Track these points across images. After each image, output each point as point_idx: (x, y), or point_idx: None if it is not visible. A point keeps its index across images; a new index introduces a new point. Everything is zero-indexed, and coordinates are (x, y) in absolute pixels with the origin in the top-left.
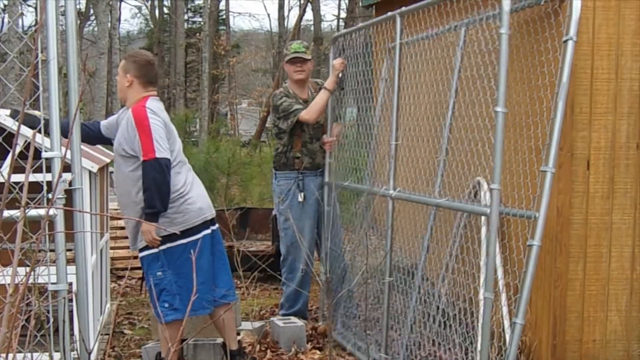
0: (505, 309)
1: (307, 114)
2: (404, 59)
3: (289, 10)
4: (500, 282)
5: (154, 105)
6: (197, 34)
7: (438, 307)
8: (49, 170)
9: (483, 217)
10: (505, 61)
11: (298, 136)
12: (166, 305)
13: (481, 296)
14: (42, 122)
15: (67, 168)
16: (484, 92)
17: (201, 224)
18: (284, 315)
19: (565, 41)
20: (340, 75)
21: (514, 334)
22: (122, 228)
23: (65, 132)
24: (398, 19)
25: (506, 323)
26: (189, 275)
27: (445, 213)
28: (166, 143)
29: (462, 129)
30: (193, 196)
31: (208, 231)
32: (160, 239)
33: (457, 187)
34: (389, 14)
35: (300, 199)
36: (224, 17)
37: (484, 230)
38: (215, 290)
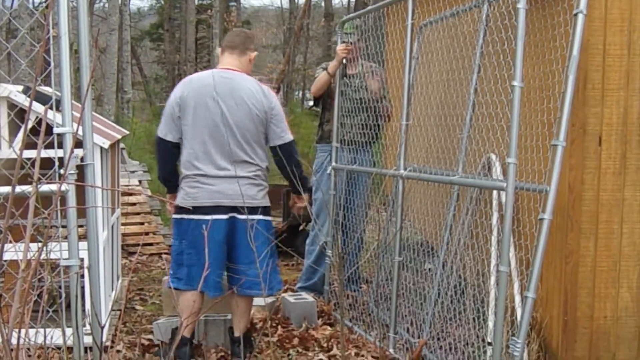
0: (517, 284)
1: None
2: (425, 38)
3: None
4: (512, 257)
5: (185, 80)
6: (208, 10)
7: (449, 283)
8: (60, 146)
9: (495, 192)
10: (522, 36)
11: (328, 110)
12: (171, 272)
13: (492, 270)
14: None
15: (78, 144)
16: (498, 69)
17: (213, 206)
18: (300, 288)
19: (576, 14)
20: (344, 61)
21: (525, 307)
22: (133, 204)
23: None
24: (410, 0)
25: (517, 298)
26: (198, 251)
27: (451, 188)
28: (167, 121)
29: (474, 105)
30: (209, 179)
31: (223, 216)
32: (173, 207)
33: (470, 163)
34: None
35: (329, 171)
36: None
37: (495, 204)
38: (233, 278)
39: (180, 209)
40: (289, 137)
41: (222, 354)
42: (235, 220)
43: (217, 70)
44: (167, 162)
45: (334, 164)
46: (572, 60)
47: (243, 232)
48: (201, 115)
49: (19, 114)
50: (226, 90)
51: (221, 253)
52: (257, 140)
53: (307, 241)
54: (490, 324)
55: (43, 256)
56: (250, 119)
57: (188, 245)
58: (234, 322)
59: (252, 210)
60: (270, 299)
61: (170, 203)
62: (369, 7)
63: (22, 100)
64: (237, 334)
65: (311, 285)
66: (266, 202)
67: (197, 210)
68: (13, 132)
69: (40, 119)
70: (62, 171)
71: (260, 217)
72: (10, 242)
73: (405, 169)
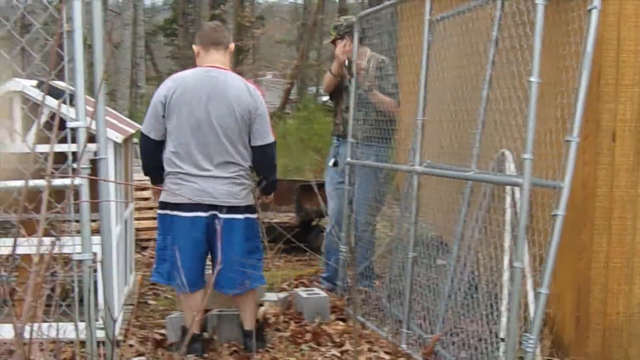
0: (530, 280)
1: None
2: (437, 33)
3: None
4: (526, 253)
5: (171, 78)
6: (222, 5)
7: (461, 279)
8: (73, 140)
9: (508, 188)
10: (540, 31)
11: (338, 104)
12: (154, 266)
13: (505, 266)
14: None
15: (91, 138)
16: (511, 64)
17: (194, 204)
18: (322, 278)
19: (590, 10)
20: (346, 62)
21: (538, 303)
22: (147, 199)
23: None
24: None
25: (531, 294)
26: (179, 247)
27: (464, 184)
28: (151, 119)
29: (488, 101)
30: (191, 177)
31: (203, 214)
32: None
33: (483, 159)
34: None
35: (330, 163)
36: None
37: (508, 200)
38: (214, 278)
39: (164, 205)
40: (270, 138)
41: (235, 348)
42: (216, 218)
43: (203, 69)
44: (150, 159)
45: (348, 159)
46: (586, 55)
47: (224, 230)
48: (185, 115)
49: (32, 108)
50: (212, 91)
51: (200, 250)
52: (241, 140)
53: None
54: (503, 319)
55: (56, 250)
56: (234, 119)
57: (171, 241)
58: (242, 317)
59: (235, 208)
60: (282, 294)
61: (154, 189)
62: (385, 3)
63: (36, 94)
64: (247, 327)
65: (327, 278)
66: (249, 201)
67: (178, 207)
68: (27, 126)
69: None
70: (75, 165)
71: (242, 215)
72: (24, 236)
73: (420, 165)
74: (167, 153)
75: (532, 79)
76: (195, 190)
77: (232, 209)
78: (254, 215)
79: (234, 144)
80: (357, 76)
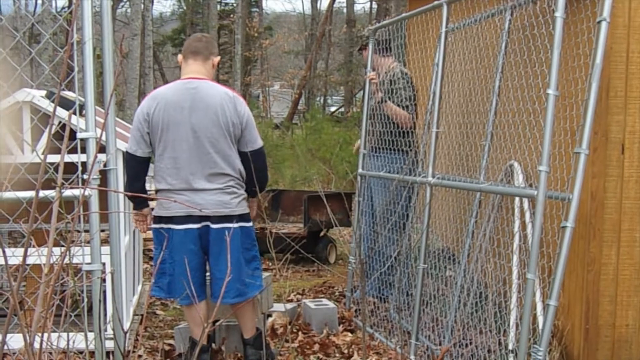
0: (538, 292)
1: None
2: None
3: None
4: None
5: (151, 95)
6: (230, 16)
7: (469, 290)
8: (83, 151)
9: (517, 199)
10: (559, 44)
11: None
12: (153, 280)
13: (514, 277)
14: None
15: (101, 149)
16: (522, 77)
17: (185, 216)
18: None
19: (599, 22)
20: (377, 84)
21: (547, 315)
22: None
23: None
24: (445, 7)
25: (539, 306)
26: (175, 261)
27: (472, 195)
28: (136, 137)
29: (496, 113)
30: (181, 191)
31: (195, 225)
32: (138, 218)
33: (492, 171)
34: (435, 3)
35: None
36: None
37: (517, 211)
38: (211, 288)
39: (157, 219)
40: (259, 143)
41: (241, 357)
42: (208, 229)
43: (181, 82)
44: (136, 178)
45: (360, 170)
46: (595, 68)
47: (216, 240)
48: (170, 131)
49: (42, 118)
50: (193, 103)
51: (197, 262)
52: (228, 148)
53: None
54: (512, 331)
55: (66, 261)
56: (220, 129)
57: (168, 255)
58: (241, 326)
59: (227, 218)
60: (290, 305)
61: (136, 220)
62: (403, 15)
63: (46, 105)
64: (246, 336)
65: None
66: (242, 210)
67: (171, 220)
68: (36, 136)
69: (64, 124)
70: (85, 176)
71: (235, 224)
72: (34, 246)
73: (433, 177)
74: (156, 170)
75: (550, 91)
76: (185, 202)
77: (223, 219)
78: (250, 224)
79: (221, 154)
80: (370, 86)
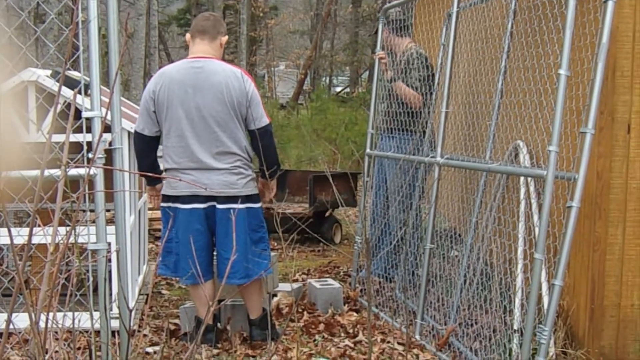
0: (544, 272)
1: None
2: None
3: None
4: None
5: (158, 73)
6: None
7: (475, 269)
8: (88, 130)
9: (522, 179)
10: (571, 24)
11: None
12: (160, 259)
13: (519, 257)
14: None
15: (106, 128)
16: (530, 57)
17: (191, 196)
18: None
19: (606, 1)
20: (387, 64)
21: (552, 295)
22: None
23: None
24: None
25: (545, 285)
26: (182, 240)
27: (478, 175)
28: (143, 116)
29: (502, 93)
30: (188, 170)
31: (201, 205)
32: (152, 194)
33: (497, 150)
34: None
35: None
36: None
37: (523, 191)
38: (217, 267)
39: (165, 198)
40: (265, 120)
41: (248, 338)
42: (214, 209)
43: (187, 60)
44: (145, 156)
45: (367, 150)
46: (601, 47)
47: (222, 221)
48: (176, 109)
49: (47, 98)
50: (198, 81)
51: (203, 241)
52: (235, 127)
53: None
54: (517, 311)
55: (71, 240)
56: (225, 107)
57: (175, 234)
58: (247, 307)
59: (233, 198)
60: (295, 285)
61: (151, 195)
62: None
63: (51, 84)
64: (252, 316)
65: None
66: (249, 190)
67: (177, 199)
68: (41, 116)
69: (69, 104)
70: (90, 155)
71: (241, 205)
72: (39, 225)
73: (442, 156)
74: (164, 149)
75: (561, 71)
76: (191, 182)
77: (230, 199)
78: (257, 205)
79: (227, 132)
80: (380, 66)
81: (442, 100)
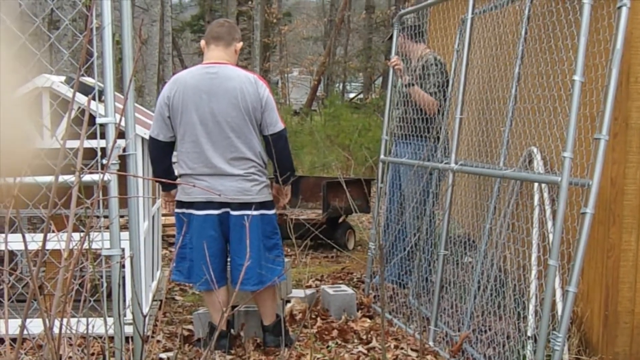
0: (557, 278)
1: None
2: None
3: None
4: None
5: (173, 79)
6: (249, 2)
7: (489, 276)
8: (102, 136)
9: (536, 185)
10: (586, 31)
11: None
12: (174, 264)
13: (533, 262)
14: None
15: (120, 134)
16: (545, 64)
17: (205, 202)
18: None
19: (619, 7)
20: (402, 70)
21: (566, 301)
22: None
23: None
24: None
25: (558, 292)
26: (195, 246)
27: (492, 181)
28: (158, 121)
29: (516, 99)
30: (202, 176)
31: (215, 212)
32: (167, 199)
33: (510, 157)
34: None
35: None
36: None
37: (537, 197)
38: (231, 273)
39: (180, 204)
40: (280, 126)
41: (261, 344)
42: (228, 216)
43: (202, 66)
44: (159, 162)
45: (382, 156)
46: (615, 53)
47: (236, 227)
48: (191, 115)
49: (61, 104)
50: (213, 87)
51: (217, 248)
52: (249, 133)
53: None
54: (531, 317)
55: (85, 246)
56: (239, 113)
57: (189, 240)
58: (261, 313)
59: (247, 205)
60: (309, 291)
61: (166, 200)
62: (429, 1)
63: (65, 90)
64: (265, 322)
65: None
66: (263, 197)
67: (192, 205)
68: (56, 122)
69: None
70: (104, 161)
71: (254, 212)
72: (53, 231)
73: (456, 163)
74: (178, 154)
75: (576, 77)
76: (206, 188)
77: (243, 206)
78: (271, 212)
79: (241, 137)
80: (395, 72)
81: (456, 106)
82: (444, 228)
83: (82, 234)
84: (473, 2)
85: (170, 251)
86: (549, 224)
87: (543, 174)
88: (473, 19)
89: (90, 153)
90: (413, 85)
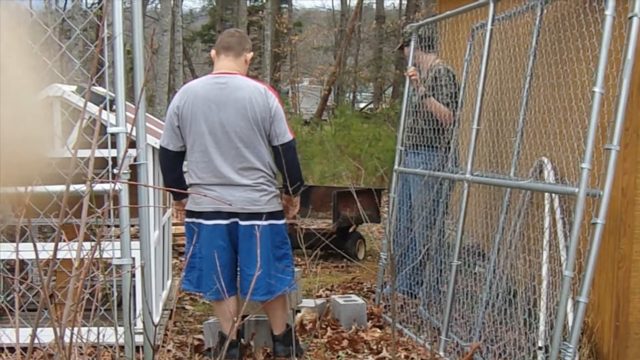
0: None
1: None
2: (477, 41)
3: None
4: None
5: (183, 89)
6: (260, 12)
7: (499, 286)
8: (113, 145)
9: (547, 195)
10: (607, 43)
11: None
12: (184, 274)
13: (544, 273)
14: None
15: (131, 144)
16: (563, 74)
17: (214, 212)
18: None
19: (630, 18)
20: (418, 80)
21: (577, 312)
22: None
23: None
24: (491, 4)
25: (569, 303)
26: (204, 256)
27: (502, 191)
28: (168, 131)
29: (527, 109)
30: (211, 186)
31: (224, 222)
32: (178, 208)
33: (521, 167)
34: (481, 0)
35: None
36: None
37: (547, 207)
38: (240, 283)
39: (189, 214)
40: (288, 136)
41: (270, 353)
42: (237, 226)
43: (212, 76)
44: (170, 171)
45: (396, 166)
46: (626, 63)
47: (245, 237)
48: (200, 124)
49: (72, 113)
50: (222, 97)
51: (226, 258)
52: (258, 143)
53: None
54: (541, 328)
55: (96, 255)
56: (248, 123)
57: (198, 249)
58: (271, 322)
59: (256, 215)
60: (319, 301)
61: (177, 209)
62: (447, 13)
63: (76, 100)
64: (276, 332)
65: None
66: (272, 207)
67: (201, 215)
68: (67, 131)
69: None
70: (115, 170)
71: (264, 222)
72: (64, 240)
73: (471, 174)
74: (188, 164)
75: (596, 89)
76: (215, 198)
77: (252, 216)
78: (281, 222)
79: (250, 148)
80: (412, 82)
81: (473, 117)
82: (458, 238)
83: (93, 243)
84: (493, 12)
85: (181, 260)
86: (559, 234)
87: (554, 184)
88: (478, 30)
89: (101, 162)
90: (430, 96)
